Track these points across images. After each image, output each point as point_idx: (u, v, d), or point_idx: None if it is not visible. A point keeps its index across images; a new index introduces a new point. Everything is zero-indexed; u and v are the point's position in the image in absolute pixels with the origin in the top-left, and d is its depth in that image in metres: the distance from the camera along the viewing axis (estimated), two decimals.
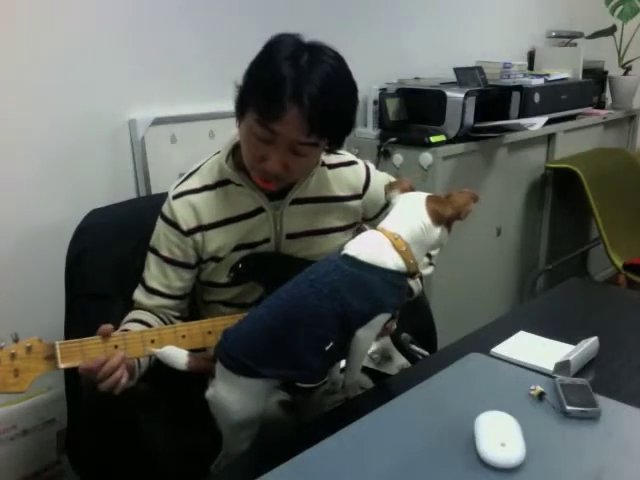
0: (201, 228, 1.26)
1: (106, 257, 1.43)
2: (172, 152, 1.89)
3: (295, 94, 1.08)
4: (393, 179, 1.45)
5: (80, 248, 1.43)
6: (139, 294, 1.30)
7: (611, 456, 0.92)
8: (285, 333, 1.01)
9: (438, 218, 1.08)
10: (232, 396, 1.03)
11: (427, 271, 1.46)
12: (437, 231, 1.08)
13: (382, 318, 1.05)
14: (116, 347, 1.10)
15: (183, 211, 1.26)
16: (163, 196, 1.34)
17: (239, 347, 1.02)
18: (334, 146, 1.24)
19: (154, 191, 1.85)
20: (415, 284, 1.39)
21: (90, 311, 1.36)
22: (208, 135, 1.97)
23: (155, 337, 1.14)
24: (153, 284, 1.28)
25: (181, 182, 1.30)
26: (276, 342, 1.01)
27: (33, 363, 1.03)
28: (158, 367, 1.12)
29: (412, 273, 1.08)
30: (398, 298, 1.08)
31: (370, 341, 1.08)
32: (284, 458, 0.91)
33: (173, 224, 1.26)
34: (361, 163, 1.40)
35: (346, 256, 1.05)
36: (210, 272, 1.30)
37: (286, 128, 1.11)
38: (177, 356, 1.08)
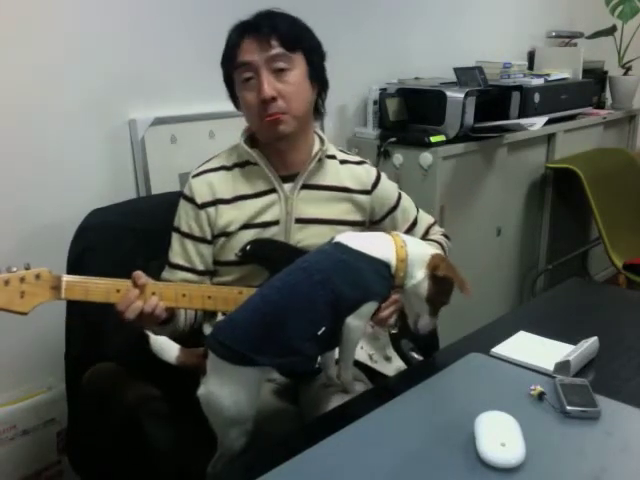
0: (214, 202, 1.35)
1: (107, 256, 1.44)
2: (172, 152, 1.89)
3: (244, 30, 1.29)
4: (402, 192, 1.51)
5: (81, 248, 1.44)
6: (164, 273, 1.39)
7: (611, 456, 0.92)
8: (278, 320, 1.02)
9: (431, 264, 1.10)
10: (223, 390, 1.03)
11: None
12: (422, 272, 1.09)
13: (370, 307, 1.07)
14: (118, 291, 1.16)
15: (200, 187, 1.36)
16: (163, 196, 1.34)
17: (232, 335, 1.03)
18: (313, 62, 1.34)
19: (154, 191, 1.85)
20: None
21: (90, 309, 1.36)
22: (208, 135, 1.97)
23: (156, 290, 1.19)
24: (176, 260, 1.37)
25: (201, 165, 1.41)
26: (269, 329, 1.02)
27: (40, 289, 1.11)
28: (159, 367, 1.12)
29: (394, 286, 1.10)
30: (385, 289, 1.10)
31: (361, 331, 1.09)
32: (284, 458, 0.91)
33: (190, 199, 1.36)
34: (371, 165, 1.49)
35: (338, 244, 1.08)
36: (219, 249, 1.36)
37: (249, 53, 1.27)
38: (169, 348, 1.09)
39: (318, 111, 1.41)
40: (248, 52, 1.28)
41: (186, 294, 1.23)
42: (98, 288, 1.15)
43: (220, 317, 1.31)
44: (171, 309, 1.24)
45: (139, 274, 1.18)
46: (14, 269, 1.09)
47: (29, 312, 1.10)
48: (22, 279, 1.09)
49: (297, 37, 1.31)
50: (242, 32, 1.29)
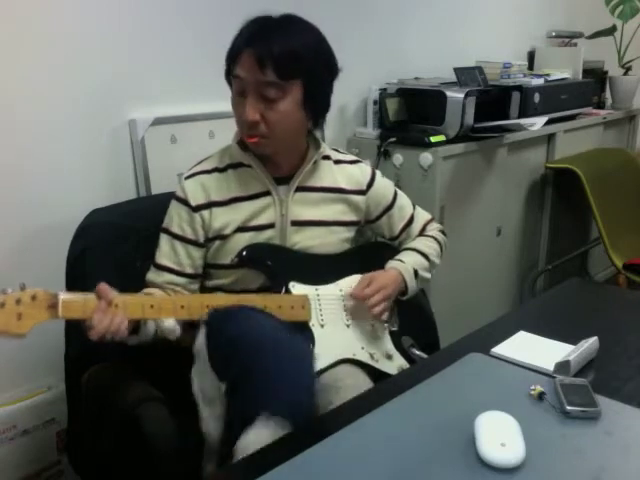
0: (209, 205, 1.32)
1: (107, 256, 1.44)
2: (172, 152, 1.89)
3: (249, 39, 1.23)
4: (398, 190, 1.51)
5: (81, 247, 1.44)
6: (150, 274, 1.36)
7: (611, 456, 0.92)
8: None
9: None
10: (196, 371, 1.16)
11: (427, 275, 1.46)
12: None
13: None
14: (116, 306, 1.14)
15: (193, 189, 1.33)
16: (163, 196, 1.34)
17: None
18: (311, 90, 1.26)
19: (154, 191, 1.85)
20: (410, 279, 1.40)
21: None
22: (208, 135, 1.97)
23: (154, 303, 1.19)
24: (163, 261, 1.34)
25: (193, 167, 1.38)
26: None
27: (36, 310, 1.08)
28: (158, 367, 1.12)
29: None
30: None
31: None
32: (284, 458, 0.91)
33: (183, 201, 1.33)
34: (367, 164, 1.48)
35: None
36: (214, 252, 1.35)
37: (244, 70, 1.23)
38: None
39: (317, 124, 1.35)
40: (243, 67, 1.23)
41: (185, 305, 1.20)
42: (93, 307, 1.12)
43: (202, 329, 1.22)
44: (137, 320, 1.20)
45: (106, 289, 1.14)
46: (9, 290, 1.06)
47: (27, 333, 1.07)
48: (18, 301, 1.06)
49: (296, 63, 1.22)
50: (247, 40, 1.23)
